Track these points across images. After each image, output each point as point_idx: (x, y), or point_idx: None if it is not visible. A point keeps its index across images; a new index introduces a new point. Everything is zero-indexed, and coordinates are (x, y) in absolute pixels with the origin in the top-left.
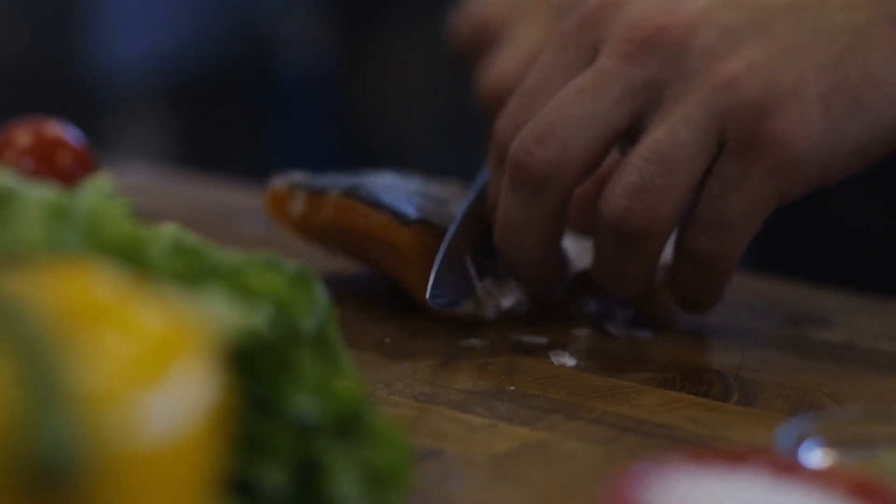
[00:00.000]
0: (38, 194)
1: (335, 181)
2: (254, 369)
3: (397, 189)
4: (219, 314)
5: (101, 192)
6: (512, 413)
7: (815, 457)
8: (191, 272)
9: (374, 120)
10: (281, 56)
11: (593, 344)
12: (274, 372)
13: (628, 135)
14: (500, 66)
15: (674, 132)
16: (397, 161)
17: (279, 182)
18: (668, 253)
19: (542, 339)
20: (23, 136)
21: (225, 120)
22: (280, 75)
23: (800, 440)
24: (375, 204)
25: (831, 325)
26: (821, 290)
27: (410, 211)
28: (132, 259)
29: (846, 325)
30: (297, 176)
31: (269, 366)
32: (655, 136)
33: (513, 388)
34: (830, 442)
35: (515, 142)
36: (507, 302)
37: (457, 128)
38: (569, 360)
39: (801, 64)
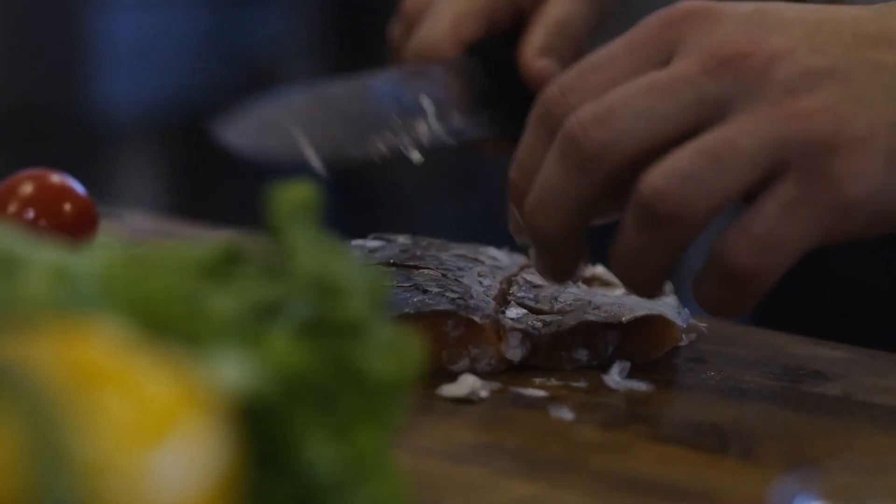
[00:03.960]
0: (46, 254)
1: None
2: (261, 425)
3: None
4: (226, 377)
5: (108, 250)
6: (511, 467)
7: None
8: (202, 332)
9: None
10: None
11: (591, 397)
12: (282, 429)
13: (683, 142)
14: (423, 33)
15: (735, 137)
16: (389, 194)
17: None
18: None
19: (540, 393)
20: (26, 186)
21: (222, 159)
22: None
23: (796, 494)
24: None
25: (828, 378)
26: (818, 343)
27: None
28: (142, 319)
29: (843, 378)
30: None
31: (277, 423)
32: (717, 135)
33: (512, 441)
34: (826, 496)
35: (574, 116)
36: (480, 364)
37: (447, 161)
38: (567, 414)
39: (874, 117)
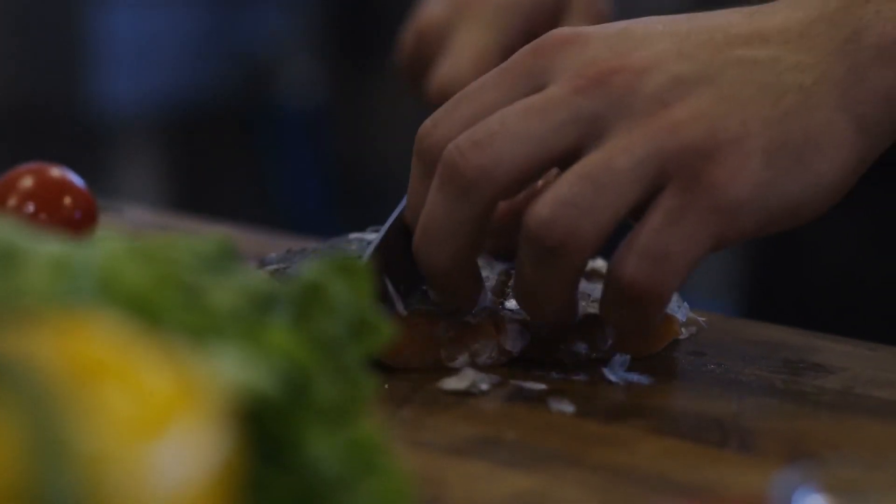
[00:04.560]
0: (46, 247)
1: (298, 261)
2: (262, 419)
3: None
4: (228, 372)
5: (108, 243)
6: (511, 460)
7: None
8: (204, 327)
9: (367, 154)
10: (278, 93)
11: (591, 390)
12: (283, 423)
13: (566, 164)
14: (446, 70)
15: (611, 158)
16: (387, 191)
17: (256, 269)
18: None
19: (541, 386)
20: (26, 180)
21: (223, 156)
22: (277, 112)
23: (796, 488)
24: None
25: (827, 371)
26: (817, 336)
27: None
28: (143, 312)
29: (843, 371)
30: (274, 258)
31: (278, 417)
32: (593, 158)
33: (512, 434)
34: (827, 490)
35: (452, 143)
36: (481, 358)
37: None
38: (567, 407)
39: (747, 115)
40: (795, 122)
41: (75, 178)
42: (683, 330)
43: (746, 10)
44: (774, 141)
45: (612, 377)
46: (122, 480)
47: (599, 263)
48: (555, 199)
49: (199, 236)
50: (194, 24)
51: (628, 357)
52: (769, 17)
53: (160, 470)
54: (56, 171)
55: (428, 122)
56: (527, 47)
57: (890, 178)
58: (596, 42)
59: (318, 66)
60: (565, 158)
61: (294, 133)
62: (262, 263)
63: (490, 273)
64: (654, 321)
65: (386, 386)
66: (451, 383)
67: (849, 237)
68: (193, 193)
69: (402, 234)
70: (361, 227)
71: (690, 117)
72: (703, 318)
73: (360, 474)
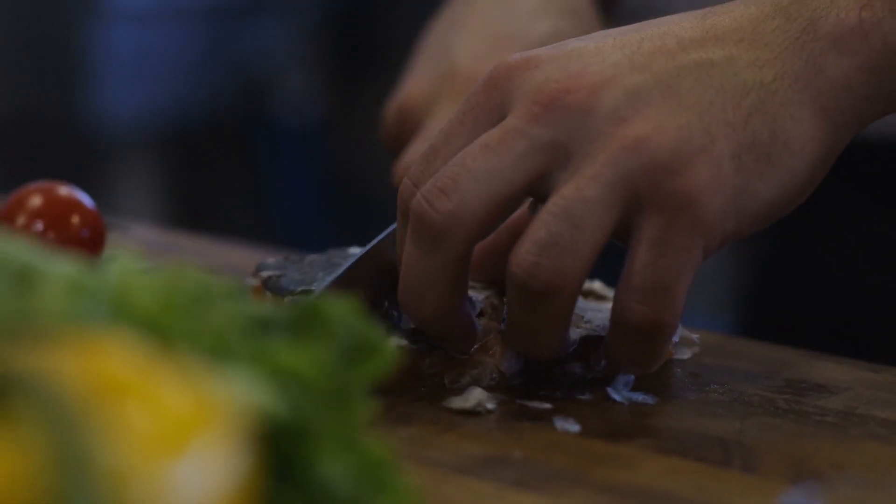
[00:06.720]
0: (62, 267)
1: (295, 276)
2: (275, 438)
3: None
4: (241, 392)
5: (127, 264)
6: (518, 479)
7: None
8: (214, 347)
9: (364, 169)
10: (275, 108)
11: (596, 410)
12: (295, 441)
13: (538, 195)
14: (414, 150)
15: (581, 189)
16: (384, 206)
17: (253, 278)
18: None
19: (546, 405)
20: (34, 198)
21: (220, 171)
22: (275, 126)
23: None
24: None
25: (830, 391)
26: (820, 357)
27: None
28: (158, 333)
29: (845, 391)
30: (271, 264)
31: (290, 435)
32: (563, 193)
33: (518, 453)
34: None
35: (419, 193)
36: (483, 382)
37: None
38: (572, 426)
39: (710, 122)
40: (760, 121)
41: (83, 197)
42: (686, 349)
43: (699, 12)
44: (742, 144)
45: (616, 397)
46: (143, 497)
47: (597, 286)
48: (535, 242)
49: (204, 269)
50: (192, 40)
51: (632, 377)
52: (721, 17)
53: (181, 486)
54: (64, 190)
55: (408, 182)
56: (480, 82)
57: (885, 196)
58: (546, 64)
59: (315, 80)
60: (533, 189)
61: (291, 148)
62: (259, 269)
63: (477, 294)
64: (666, 349)
65: (393, 405)
66: (458, 402)
67: (844, 255)
68: (191, 208)
69: (379, 264)
70: (358, 241)
71: (653, 131)
72: (696, 335)
73: (370, 492)
